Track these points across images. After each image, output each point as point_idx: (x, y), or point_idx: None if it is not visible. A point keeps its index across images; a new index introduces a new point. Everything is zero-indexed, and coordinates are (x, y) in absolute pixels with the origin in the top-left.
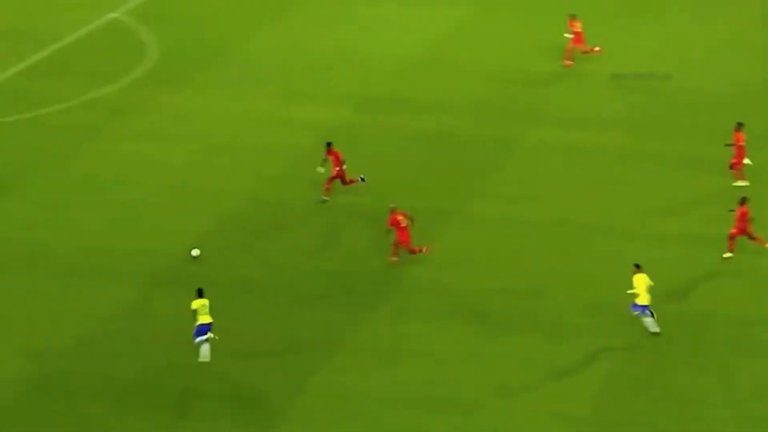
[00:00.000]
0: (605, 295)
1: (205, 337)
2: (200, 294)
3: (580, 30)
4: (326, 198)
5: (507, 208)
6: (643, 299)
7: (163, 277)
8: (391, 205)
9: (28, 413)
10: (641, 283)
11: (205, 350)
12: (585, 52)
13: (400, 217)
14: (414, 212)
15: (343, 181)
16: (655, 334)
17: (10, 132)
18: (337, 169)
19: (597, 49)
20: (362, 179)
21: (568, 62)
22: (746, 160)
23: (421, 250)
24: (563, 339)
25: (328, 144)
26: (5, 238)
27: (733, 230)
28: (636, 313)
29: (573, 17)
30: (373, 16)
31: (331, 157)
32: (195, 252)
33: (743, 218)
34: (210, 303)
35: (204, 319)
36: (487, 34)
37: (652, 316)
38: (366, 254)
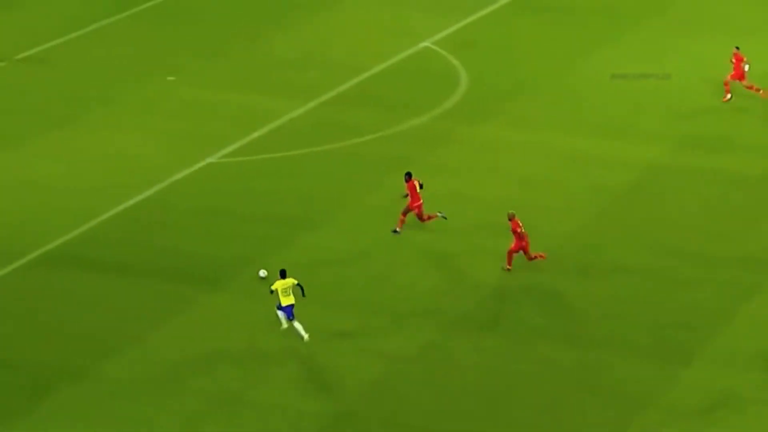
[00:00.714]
0: None
1: (287, 317)
2: (283, 275)
3: (740, 64)
4: (398, 230)
5: None
6: None
7: (467, 320)
8: (510, 212)
9: None
10: None
11: (283, 318)
12: (749, 88)
13: (519, 223)
14: (740, 264)
15: (420, 218)
16: None
17: (319, 162)
18: (415, 204)
19: (760, 91)
20: (443, 216)
21: (727, 96)
22: None
23: (539, 257)
24: None
25: (408, 174)
26: (309, 271)
27: None
28: None
29: (737, 50)
30: (698, 49)
31: (408, 190)
32: (263, 273)
33: None
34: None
35: (286, 300)
36: None
37: None
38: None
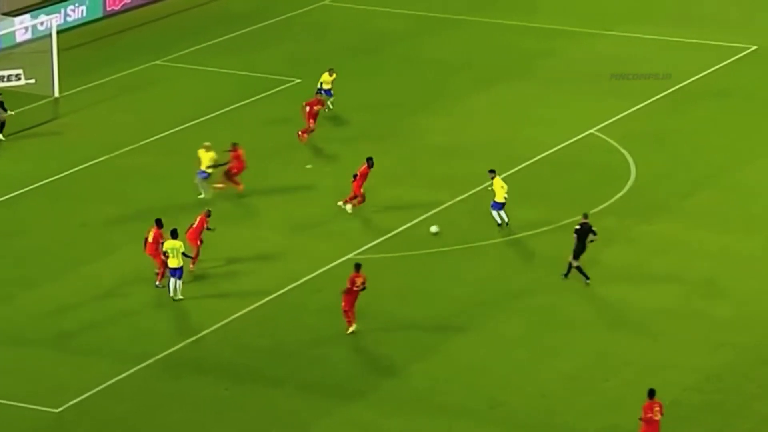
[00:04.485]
0: None
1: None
2: (174, 235)
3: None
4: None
5: None
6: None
7: None
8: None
9: None
10: None
11: (174, 286)
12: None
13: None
14: None
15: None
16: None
17: (467, 259)
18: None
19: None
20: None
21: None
22: None
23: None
24: None
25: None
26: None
27: None
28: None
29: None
30: None
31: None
32: (434, 228)
33: None
34: None
35: (172, 262)
36: None
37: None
38: None
